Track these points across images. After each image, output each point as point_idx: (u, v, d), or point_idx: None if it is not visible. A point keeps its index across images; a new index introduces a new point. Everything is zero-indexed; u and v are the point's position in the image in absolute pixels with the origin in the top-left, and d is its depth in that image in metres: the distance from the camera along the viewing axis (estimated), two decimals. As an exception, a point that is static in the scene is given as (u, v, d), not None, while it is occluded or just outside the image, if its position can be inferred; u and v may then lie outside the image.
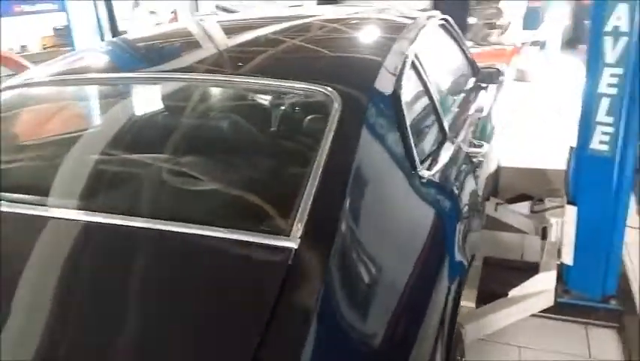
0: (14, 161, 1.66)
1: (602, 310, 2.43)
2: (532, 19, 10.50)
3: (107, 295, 1.06)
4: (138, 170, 1.55)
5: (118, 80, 1.80)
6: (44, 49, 8.48)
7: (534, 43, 8.46)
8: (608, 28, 2.18)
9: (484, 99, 2.71)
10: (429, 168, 1.55)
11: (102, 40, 5.36)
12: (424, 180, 1.47)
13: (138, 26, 8.50)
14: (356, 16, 2.45)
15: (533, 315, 2.41)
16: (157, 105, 1.85)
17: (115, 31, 5.44)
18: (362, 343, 1.05)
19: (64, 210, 1.28)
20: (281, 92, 1.68)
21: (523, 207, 3.25)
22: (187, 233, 1.13)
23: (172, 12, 9.77)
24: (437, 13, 2.54)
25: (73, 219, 1.23)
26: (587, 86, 2.32)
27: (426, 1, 5.13)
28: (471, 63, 2.86)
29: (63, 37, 8.22)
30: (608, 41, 2.19)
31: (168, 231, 1.14)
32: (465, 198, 1.81)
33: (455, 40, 2.71)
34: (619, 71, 2.20)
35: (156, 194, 1.45)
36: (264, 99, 1.80)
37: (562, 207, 2.50)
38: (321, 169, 1.20)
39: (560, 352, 2.26)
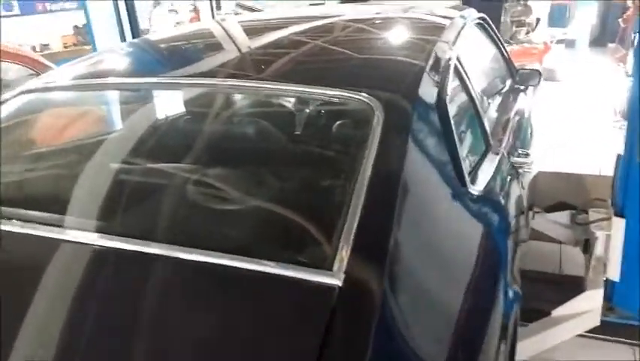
0: (28, 171, 1.56)
1: (651, 331, 2.27)
2: (558, 17, 10.25)
3: (121, 335, 0.94)
4: (162, 186, 1.43)
5: (141, 85, 1.68)
6: (65, 47, 8.46)
7: (561, 42, 8.23)
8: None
9: (523, 102, 2.55)
10: (477, 183, 1.40)
11: (123, 39, 5.29)
12: (474, 197, 1.33)
13: (158, 25, 8.46)
14: (388, 15, 2.30)
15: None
16: (183, 113, 1.74)
17: (136, 31, 5.37)
18: None
19: (80, 233, 1.15)
20: (315, 100, 1.54)
21: (561, 215, 3.08)
22: (216, 265, 0.99)
23: (191, 10, 9.71)
24: (474, 12, 2.39)
25: (91, 244, 1.11)
26: (635, 93, 2.17)
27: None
28: (509, 64, 2.70)
29: (83, 36, 8.20)
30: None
31: (185, 259, 1.02)
32: (513, 211, 1.66)
33: (493, 40, 2.56)
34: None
35: (179, 215, 1.33)
36: (297, 108, 1.66)
37: (608, 219, 2.34)
38: (364, 189, 1.06)
39: (607, 375, 2.11)
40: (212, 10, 8.05)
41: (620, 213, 2.24)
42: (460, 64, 1.69)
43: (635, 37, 5.16)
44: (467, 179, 1.33)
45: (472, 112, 1.71)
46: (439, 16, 2.18)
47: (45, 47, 8.13)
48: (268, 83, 1.45)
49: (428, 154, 1.26)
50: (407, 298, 0.97)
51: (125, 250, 1.06)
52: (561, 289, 2.46)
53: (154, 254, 1.04)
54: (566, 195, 3.15)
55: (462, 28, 1.94)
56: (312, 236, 1.10)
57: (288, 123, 1.63)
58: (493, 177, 1.56)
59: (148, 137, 1.83)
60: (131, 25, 5.30)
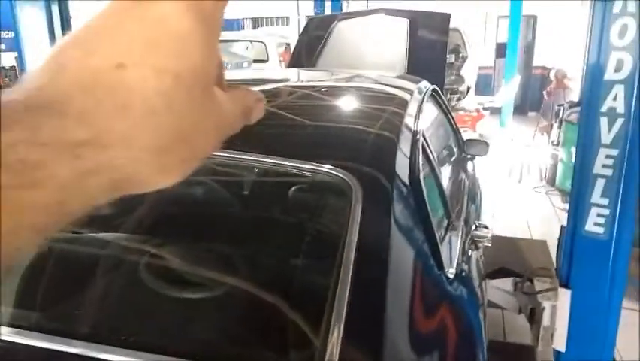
0: None
1: (597, 402, 2.29)
2: (484, 85, 10.95)
3: None
4: (98, 261, 1.23)
5: None
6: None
7: (487, 109, 8.73)
8: (604, 108, 2.14)
9: (471, 171, 2.61)
10: (450, 264, 1.37)
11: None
12: (450, 278, 1.29)
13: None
14: (346, 84, 2.31)
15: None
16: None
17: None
18: None
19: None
20: (284, 172, 1.43)
21: (504, 282, 3.13)
22: None
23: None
24: (427, 84, 2.45)
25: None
26: (580, 167, 2.27)
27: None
28: (457, 133, 2.77)
29: (11, 78, 7.81)
30: (603, 122, 2.15)
31: None
32: (478, 286, 1.64)
33: (443, 110, 2.63)
34: (614, 152, 2.15)
35: (121, 304, 1.15)
36: (263, 177, 1.54)
37: (554, 289, 2.39)
38: (350, 271, 0.96)
39: None
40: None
41: (565, 284, 2.29)
42: (425, 138, 1.69)
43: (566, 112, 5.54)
44: (443, 260, 1.29)
45: (436, 187, 1.70)
46: (398, 87, 2.20)
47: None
48: (234, 152, 1.27)
49: (409, 236, 1.21)
50: None
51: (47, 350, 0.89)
52: (508, 358, 2.46)
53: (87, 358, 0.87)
54: (506, 260, 3.22)
55: (422, 100, 1.96)
56: (295, 335, 0.99)
57: (250, 193, 1.51)
58: (461, 255, 1.54)
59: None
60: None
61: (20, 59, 5.34)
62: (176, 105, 0.25)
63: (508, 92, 8.58)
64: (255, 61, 8.92)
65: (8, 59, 7.47)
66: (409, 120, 1.63)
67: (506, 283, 3.07)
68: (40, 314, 1.10)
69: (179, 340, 0.98)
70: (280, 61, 9.12)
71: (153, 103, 0.24)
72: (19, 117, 0.22)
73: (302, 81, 2.31)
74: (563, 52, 9.52)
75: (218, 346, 1.00)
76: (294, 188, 1.43)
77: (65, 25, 5.19)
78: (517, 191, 5.89)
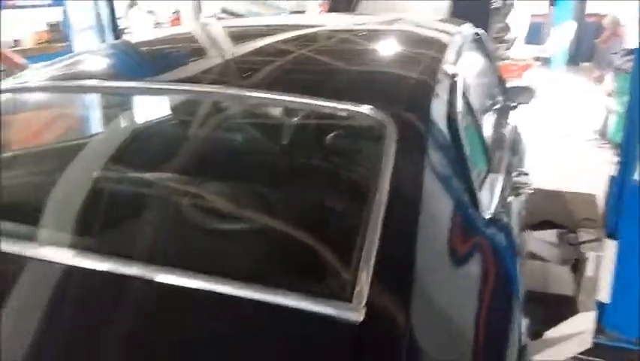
0: None
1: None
2: (534, 34, 10.44)
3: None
4: (149, 198, 1.31)
5: (124, 90, 1.54)
6: (38, 44, 8.20)
7: (538, 59, 8.36)
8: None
9: (515, 119, 2.52)
10: (488, 206, 1.34)
11: (102, 39, 5.11)
12: (486, 220, 1.26)
13: (136, 26, 8.27)
14: (385, 28, 2.23)
15: (566, 357, 2.23)
16: (175, 119, 1.62)
17: (116, 31, 5.20)
18: None
19: (52, 249, 1.02)
20: (319, 113, 1.42)
21: (548, 234, 3.06)
22: (208, 290, 0.89)
23: (174, 12, 9.52)
24: (471, 27, 2.34)
25: (63, 263, 0.98)
26: (630, 115, 2.16)
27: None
28: (500, 80, 2.67)
29: (57, 33, 7.96)
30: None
31: (178, 285, 0.91)
32: (516, 231, 1.60)
33: (487, 56, 2.52)
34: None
35: (171, 234, 1.21)
36: (299, 120, 1.55)
37: (600, 240, 2.32)
38: (382, 213, 0.96)
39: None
40: (195, 12, 7.91)
41: (612, 235, 2.22)
42: (464, 82, 1.63)
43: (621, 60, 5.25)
44: (479, 201, 1.26)
45: (475, 131, 1.65)
46: (440, 31, 2.12)
47: (17, 42, 7.86)
48: (271, 93, 1.30)
49: (444, 176, 1.18)
50: (430, 330, 0.88)
51: (107, 271, 0.94)
52: (547, 308, 2.42)
53: (140, 277, 0.92)
54: (551, 213, 3.14)
55: (463, 43, 1.88)
56: (325, 262, 1.00)
57: (294, 139, 1.52)
58: (500, 199, 1.50)
59: (131, 144, 1.71)
60: (112, 26, 5.13)
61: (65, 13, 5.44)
62: None
63: (560, 38, 8.16)
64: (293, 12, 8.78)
65: (57, 14, 7.62)
66: (446, 64, 1.57)
67: (551, 235, 3.01)
68: (99, 239, 1.18)
69: (223, 265, 1.01)
70: (320, 12, 8.94)
71: None
72: None
73: (338, 25, 2.24)
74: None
75: (256, 270, 1.03)
76: (329, 129, 1.43)
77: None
78: (568, 144, 5.67)
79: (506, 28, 7.25)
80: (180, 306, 0.90)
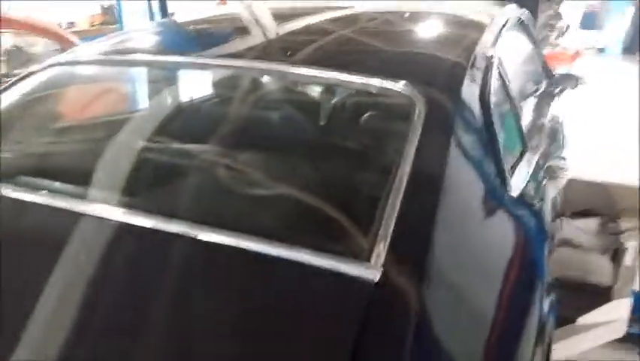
0: (51, 144, 1.54)
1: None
2: (588, 23, 10.06)
3: (142, 315, 0.91)
4: (191, 166, 1.40)
5: (171, 64, 1.64)
6: (92, 26, 8.49)
7: (591, 48, 8.07)
8: None
9: (557, 106, 2.47)
10: (516, 185, 1.35)
11: (152, 20, 5.27)
12: (514, 199, 1.28)
13: (185, 7, 8.43)
14: (424, 9, 2.23)
15: (599, 345, 2.19)
16: (215, 94, 1.69)
17: (165, 12, 5.34)
18: None
19: (102, 207, 1.13)
20: (351, 88, 1.48)
21: (588, 222, 3.00)
22: (240, 247, 0.96)
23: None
24: (515, 8, 2.31)
25: (111, 219, 1.08)
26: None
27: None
28: (544, 65, 2.62)
29: (110, 16, 8.23)
30: None
31: (214, 242, 0.98)
32: (548, 215, 1.60)
33: (531, 38, 2.48)
34: None
35: (208, 197, 1.30)
36: (334, 95, 1.60)
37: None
38: (404, 182, 1.01)
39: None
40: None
41: (652, 224, 2.18)
42: (501, 63, 1.63)
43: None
44: (508, 179, 1.27)
45: (511, 113, 1.65)
46: (479, 12, 2.11)
47: (71, 24, 8.17)
48: (310, 69, 1.36)
49: (470, 155, 1.21)
50: (445, 299, 0.92)
51: (151, 228, 1.03)
52: (584, 296, 2.39)
53: (181, 234, 1.00)
54: (592, 202, 3.07)
55: (503, 26, 1.87)
56: (347, 225, 1.06)
57: (325, 111, 1.58)
58: (530, 180, 1.51)
59: (176, 117, 1.80)
60: (161, 7, 5.28)
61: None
62: None
63: (616, 27, 7.83)
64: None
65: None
66: (482, 46, 1.58)
67: (591, 224, 2.95)
68: (144, 200, 1.28)
69: (258, 226, 1.07)
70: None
71: None
72: None
73: (378, 8, 2.26)
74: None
75: (277, 228, 1.10)
76: (363, 106, 1.48)
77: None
78: (618, 136, 5.48)
79: (558, 16, 7.03)
80: (214, 260, 0.98)
